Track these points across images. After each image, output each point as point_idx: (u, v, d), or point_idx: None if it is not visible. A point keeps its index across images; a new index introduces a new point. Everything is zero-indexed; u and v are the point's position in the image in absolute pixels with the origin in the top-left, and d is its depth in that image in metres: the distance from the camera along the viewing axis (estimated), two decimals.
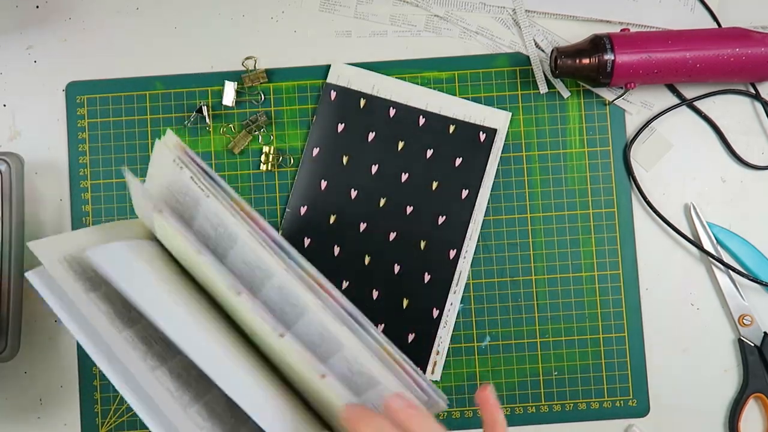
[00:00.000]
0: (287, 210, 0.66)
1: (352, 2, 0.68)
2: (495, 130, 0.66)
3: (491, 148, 0.66)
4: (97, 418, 0.66)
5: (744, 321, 0.65)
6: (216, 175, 0.45)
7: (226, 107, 0.67)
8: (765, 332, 0.65)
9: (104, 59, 0.68)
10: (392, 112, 0.67)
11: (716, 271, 0.66)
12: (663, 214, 0.66)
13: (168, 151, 0.45)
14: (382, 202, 0.66)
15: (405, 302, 0.66)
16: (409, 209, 0.66)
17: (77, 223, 0.67)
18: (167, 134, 0.45)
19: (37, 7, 0.69)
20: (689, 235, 0.66)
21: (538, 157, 0.67)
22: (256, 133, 0.67)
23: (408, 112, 0.67)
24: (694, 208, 0.66)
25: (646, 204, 0.66)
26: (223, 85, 0.67)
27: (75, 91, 0.68)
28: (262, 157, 0.67)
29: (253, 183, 0.67)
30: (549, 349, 0.66)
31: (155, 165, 0.48)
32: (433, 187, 0.66)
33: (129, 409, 0.65)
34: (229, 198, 0.45)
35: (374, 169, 0.66)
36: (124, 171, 0.46)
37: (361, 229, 0.66)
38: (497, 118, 0.66)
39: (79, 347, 0.66)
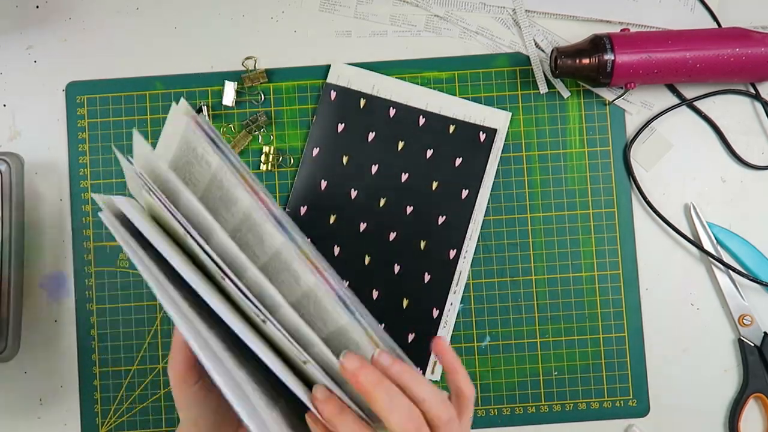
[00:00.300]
0: (287, 210, 0.66)
1: (352, 2, 0.68)
2: (495, 130, 0.66)
3: (491, 148, 0.66)
4: (97, 418, 0.66)
5: (744, 321, 0.65)
6: (226, 145, 0.45)
7: (226, 107, 0.67)
8: (765, 332, 0.65)
9: (104, 59, 0.68)
10: (392, 112, 0.67)
11: (716, 271, 0.66)
12: (663, 214, 0.66)
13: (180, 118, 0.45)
14: (382, 202, 0.66)
15: (405, 302, 0.65)
16: (409, 209, 0.66)
17: (77, 223, 0.67)
18: (181, 102, 0.45)
19: (37, 7, 0.68)
20: (689, 235, 0.66)
21: (538, 157, 0.67)
22: (256, 133, 0.67)
23: (408, 112, 0.67)
24: (694, 208, 0.66)
25: (646, 204, 0.66)
26: (223, 85, 0.67)
27: (75, 91, 0.68)
28: (262, 157, 0.67)
29: None
30: (549, 349, 0.66)
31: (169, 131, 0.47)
32: (433, 187, 0.66)
33: (129, 409, 0.65)
34: (236, 171, 0.45)
35: (374, 169, 0.66)
36: (114, 149, 0.46)
37: (361, 229, 0.66)
38: (497, 118, 0.66)
39: (80, 347, 0.66)
